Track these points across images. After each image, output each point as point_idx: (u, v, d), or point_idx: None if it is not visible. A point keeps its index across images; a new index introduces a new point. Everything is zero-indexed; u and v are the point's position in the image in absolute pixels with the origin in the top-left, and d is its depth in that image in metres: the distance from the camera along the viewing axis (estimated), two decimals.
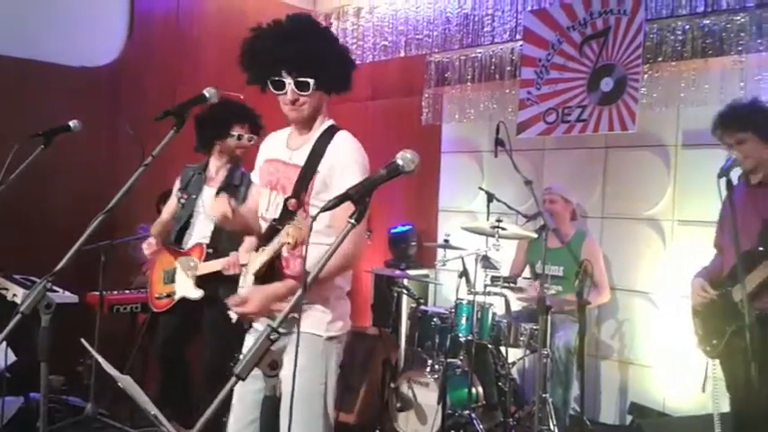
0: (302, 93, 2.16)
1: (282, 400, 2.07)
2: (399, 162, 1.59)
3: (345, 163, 2.19)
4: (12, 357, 2.85)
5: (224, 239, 3.60)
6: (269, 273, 2.17)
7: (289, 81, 2.15)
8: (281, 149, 2.33)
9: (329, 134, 2.24)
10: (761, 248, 2.86)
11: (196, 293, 3.62)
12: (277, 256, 2.17)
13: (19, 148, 2.73)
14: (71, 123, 2.77)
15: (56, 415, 4.31)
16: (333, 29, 6.24)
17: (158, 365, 4.02)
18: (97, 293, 4.29)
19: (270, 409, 1.47)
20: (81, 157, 4.87)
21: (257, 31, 2.21)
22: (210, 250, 3.64)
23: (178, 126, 2.21)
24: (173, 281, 3.75)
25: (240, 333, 2.40)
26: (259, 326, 2.30)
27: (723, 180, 2.59)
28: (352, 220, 1.54)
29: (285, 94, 2.18)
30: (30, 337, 1.87)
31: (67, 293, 4.22)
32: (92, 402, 4.30)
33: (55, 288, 4.19)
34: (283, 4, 6.36)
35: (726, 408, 3.14)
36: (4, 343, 2.31)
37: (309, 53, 2.13)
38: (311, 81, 2.14)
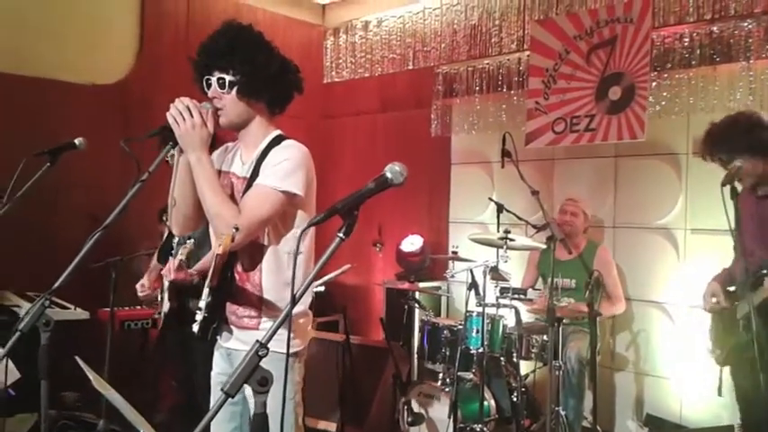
0: (221, 90, 2.16)
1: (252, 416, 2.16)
2: (388, 175, 1.57)
3: (271, 163, 2.17)
4: (16, 374, 2.85)
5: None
6: (221, 283, 2.16)
7: (213, 80, 2.18)
8: (236, 162, 2.33)
9: (275, 143, 2.23)
10: None
11: (166, 306, 3.72)
12: (224, 267, 2.16)
13: (28, 167, 2.75)
14: (76, 141, 2.78)
15: (69, 431, 4.34)
16: (341, 43, 6.28)
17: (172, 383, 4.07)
18: (108, 309, 4.32)
19: (260, 426, 1.45)
20: (92, 174, 4.92)
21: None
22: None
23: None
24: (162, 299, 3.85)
25: (205, 348, 2.40)
26: (224, 342, 2.29)
27: (728, 188, 2.56)
28: (341, 234, 1.53)
29: (208, 92, 2.20)
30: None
31: (79, 310, 4.26)
32: (104, 418, 4.32)
33: (67, 305, 4.24)
34: (293, 20, 6.42)
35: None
36: (8, 360, 2.33)
37: (228, 50, 2.14)
38: (227, 77, 2.14)
